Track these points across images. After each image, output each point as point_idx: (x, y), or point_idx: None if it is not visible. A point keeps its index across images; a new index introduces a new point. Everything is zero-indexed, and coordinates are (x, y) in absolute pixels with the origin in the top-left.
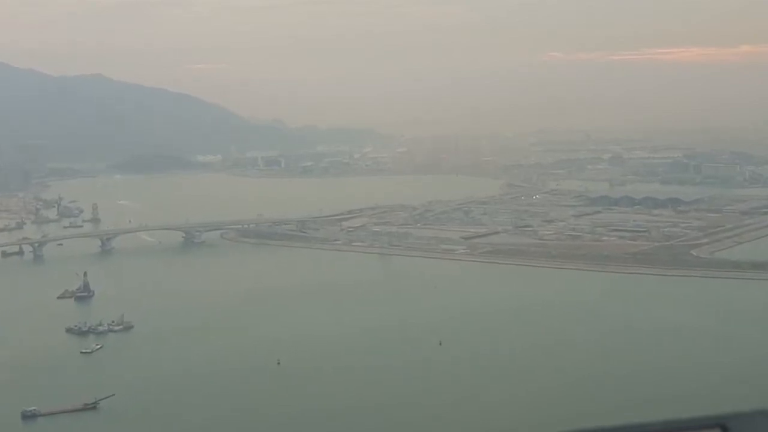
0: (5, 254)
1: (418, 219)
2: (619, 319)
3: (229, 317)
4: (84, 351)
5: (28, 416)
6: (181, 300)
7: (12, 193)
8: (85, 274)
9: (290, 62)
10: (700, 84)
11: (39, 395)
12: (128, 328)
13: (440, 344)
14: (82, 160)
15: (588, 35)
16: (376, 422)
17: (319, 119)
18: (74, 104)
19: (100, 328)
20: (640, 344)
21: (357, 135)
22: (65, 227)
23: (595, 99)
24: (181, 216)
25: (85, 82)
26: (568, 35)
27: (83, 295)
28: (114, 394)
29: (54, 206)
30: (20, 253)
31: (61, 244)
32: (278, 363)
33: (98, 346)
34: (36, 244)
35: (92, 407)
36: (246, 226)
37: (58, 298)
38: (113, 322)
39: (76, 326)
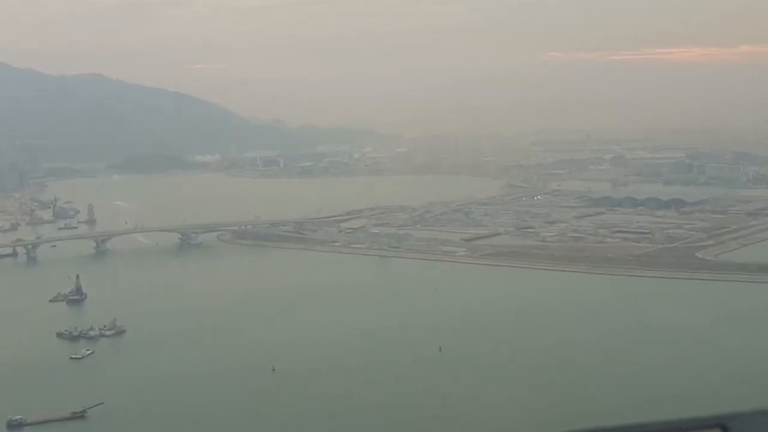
0: None
1: (418, 220)
2: (624, 324)
3: (224, 321)
4: (74, 357)
5: (14, 425)
6: (175, 303)
7: (8, 193)
8: (77, 277)
9: (290, 62)
10: (700, 84)
11: (26, 403)
12: (120, 332)
13: (440, 350)
14: (81, 160)
15: (588, 35)
16: (373, 423)
17: (319, 119)
18: (73, 104)
19: (91, 333)
20: (645, 348)
21: (357, 135)
22: (60, 228)
23: (595, 99)
24: (178, 217)
25: (84, 82)
26: (568, 35)
27: (76, 298)
28: (103, 403)
29: (50, 207)
30: (14, 254)
31: (54, 246)
32: (273, 369)
33: (89, 352)
34: (30, 246)
35: (80, 416)
36: (243, 227)
37: (50, 301)
38: (105, 326)
39: (66, 331)
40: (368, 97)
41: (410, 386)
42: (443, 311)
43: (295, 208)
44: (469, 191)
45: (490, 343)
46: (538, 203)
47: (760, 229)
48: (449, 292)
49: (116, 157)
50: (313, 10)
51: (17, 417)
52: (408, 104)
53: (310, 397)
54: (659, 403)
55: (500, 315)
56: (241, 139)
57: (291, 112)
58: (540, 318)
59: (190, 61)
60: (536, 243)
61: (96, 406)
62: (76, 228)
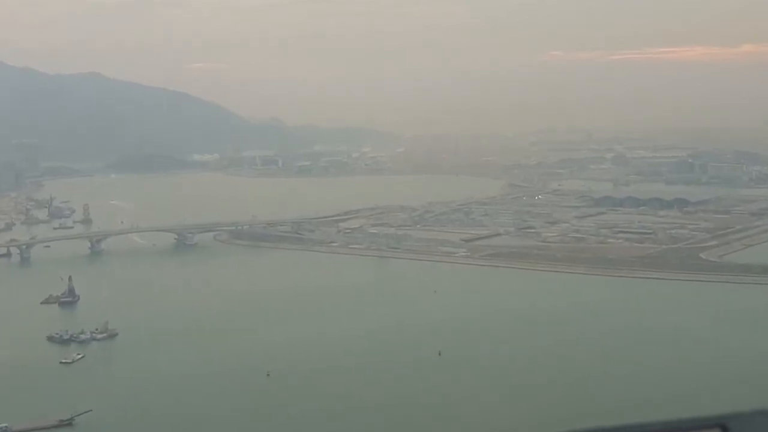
0: None
1: (418, 220)
2: (627, 327)
3: (218, 323)
4: (64, 361)
5: None
6: (169, 305)
7: (4, 192)
8: (69, 278)
9: (290, 61)
10: (701, 83)
11: (12, 410)
12: (112, 336)
13: (439, 354)
14: (79, 160)
15: (589, 34)
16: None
17: (318, 118)
18: (71, 103)
19: (83, 337)
20: (648, 352)
21: (356, 134)
22: (55, 228)
23: (595, 98)
24: (175, 217)
25: (82, 81)
26: (568, 34)
27: (68, 300)
28: (91, 410)
29: (45, 207)
30: (7, 255)
31: (48, 246)
32: (268, 375)
33: (79, 356)
34: (23, 246)
35: (68, 424)
36: (240, 227)
37: (41, 303)
38: (96, 329)
39: (57, 334)
40: (368, 97)
41: (408, 391)
42: (443, 314)
43: (293, 208)
44: (469, 191)
45: (491, 347)
46: (538, 203)
47: (765, 230)
48: (449, 294)
49: (114, 157)
50: (312, 10)
51: (2, 425)
52: (408, 104)
53: (304, 403)
54: (662, 405)
55: (501, 317)
56: (239, 139)
57: (290, 111)
58: (541, 321)
59: (189, 60)
60: (537, 243)
61: (84, 413)
62: (71, 228)
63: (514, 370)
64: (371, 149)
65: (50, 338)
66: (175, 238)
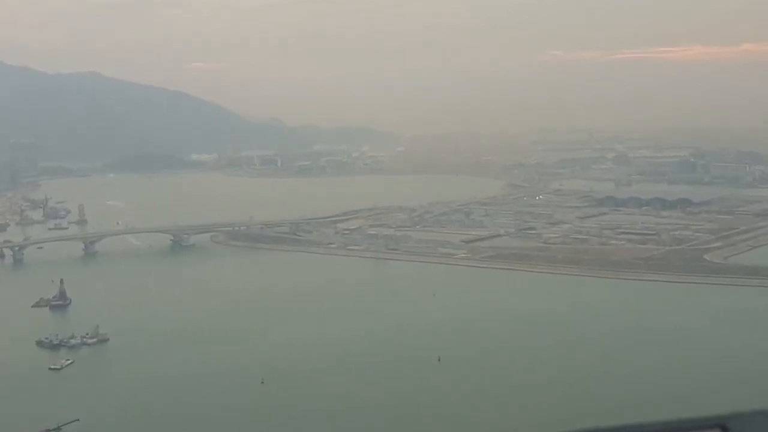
0: None
1: (417, 221)
2: (632, 332)
3: (212, 327)
4: (53, 367)
5: None
6: (162, 308)
7: (0, 193)
8: (61, 281)
9: (289, 61)
10: (702, 83)
11: None
12: (103, 340)
13: (439, 360)
14: (77, 159)
15: (588, 34)
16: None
17: (318, 118)
18: (70, 102)
19: (73, 341)
20: (653, 356)
21: (356, 134)
22: (50, 229)
23: (596, 98)
24: (171, 217)
25: (81, 80)
26: (568, 34)
27: (59, 303)
28: (78, 419)
29: (41, 207)
30: (0, 256)
31: (41, 248)
32: (262, 382)
33: (68, 362)
34: (16, 248)
35: None
36: (237, 228)
37: (32, 306)
38: (87, 334)
39: (46, 339)
40: (368, 97)
41: (405, 400)
42: (442, 317)
43: (291, 208)
44: (469, 191)
45: (491, 351)
46: (539, 203)
47: None
48: (448, 297)
49: (111, 156)
50: (312, 9)
51: None
52: (408, 103)
53: (298, 411)
54: (662, 405)
55: (501, 321)
56: (239, 138)
57: (290, 111)
58: (543, 324)
59: (188, 59)
60: (538, 245)
61: (71, 422)
62: (66, 229)
63: (514, 376)
64: (371, 149)
65: (39, 343)
66: (171, 239)
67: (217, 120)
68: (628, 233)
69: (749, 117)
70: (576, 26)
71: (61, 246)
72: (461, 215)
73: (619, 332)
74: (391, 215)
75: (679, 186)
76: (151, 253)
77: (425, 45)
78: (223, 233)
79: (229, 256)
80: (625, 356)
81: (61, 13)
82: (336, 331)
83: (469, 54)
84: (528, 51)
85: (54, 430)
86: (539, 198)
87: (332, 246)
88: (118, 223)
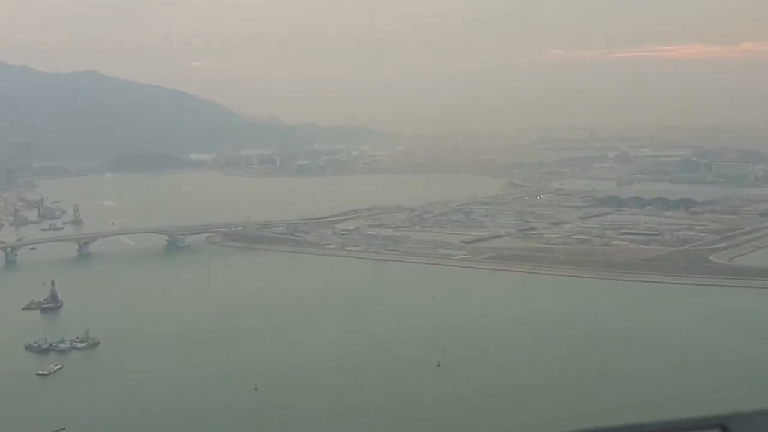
0: None
1: (417, 221)
2: (639, 336)
3: (206, 331)
4: (40, 372)
5: None
6: (155, 312)
7: None
8: (52, 283)
9: (289, 60)
10: (702, 81)
11: None
12: (93, 345)
13: (438, 365)
14: (74, 159)
15: (589, 33)
16: None
17: (318, 117)
18: (68, 102)
19: (62, 346)
20: (660, 362)
21: (355, 133)
22: (44, 229)
23: (596, 96)
24: (168, 217)
25: (79, 80)
26: (568, 33)
27: (50, 306)
28: (64, 429)
29: (36, 207)
30: None
31: (34, 248)
32: (255, 389)
33: (57, 367)
34: (9, 249)
35: None
36: (233, 228)
37: (23, 309)
38: (77, 338)
39: (35, 343)
40: (367, 95)
41: (404, 412)
42: (441, 320)
43: (289, 208)
44: (469, 190)
45: (491, 355)
46: (540, 203)
47: None
48: (448, 300)
49: (110, 156)
50: (311, 8)
51: None
52: (407, 102)
53: (293, 418)
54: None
55: (502, 324)
56: (238, 137)
57: (289, 110)
58: (547, 329)
59: (188, 59)
60: (540, 245)
61: None
62: (61, 229)
63: (515, 384)
64: (370, 148)
65: (28, 347)
66: (167, 240)
67: (216, 119)
68: (631, 233)
69: (750, 116)
70: (576, 25)
71: (54, 247)
72: (461, 215)
73: (624, 336)
74: (390, 215)
75: (681, 185)
76: (146, 254)
77: (425, 44)
78: (220, 234)
79: (225, 257)
80: (627, 359)
81: (60, 12)
82: (332, 335)
83: (469, 53)
84: (528, 50)
85: None
86: (540, 197)
87: (330, 247)
88: (113, 224)
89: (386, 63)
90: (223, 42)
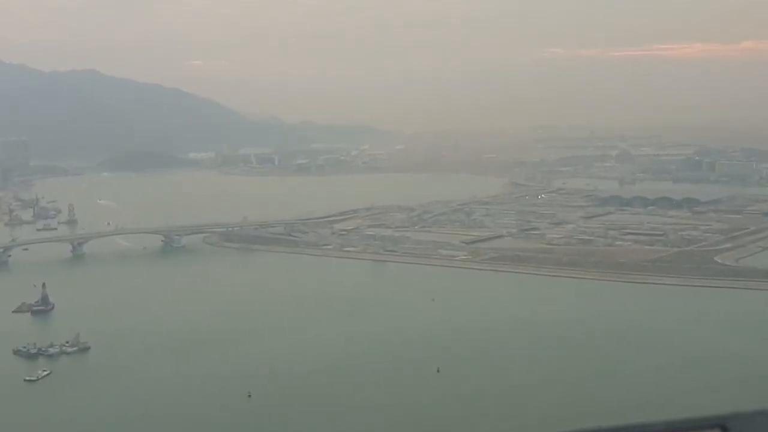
0: None
1: (416, 221)
2: (645, 341)
3: (200, 335)
4: (28, 378)
5: None
6: (148, 314)
7: None
8: (43, 285)
9: (288, 58)
10: (702, 80)
11: None
12: (84, 349)
13: (438, 371)
14: (72, 158)
15: (589, 32)
16: None
17: (317, 116)
18: (66, 101)
19: (51, 350)
20: (667, 367)
21: (355, 132)
22: (38, 230)
23: (596, 95)
24: (164, 217)
25: (77, 78)
26: (569, 32)
27: (41, 308)
28: None
29: (31, 207)
30: None
31: (26, 249)
32: (249, 395)
33: (45, 372)
34: (1, 249)
35: None
36: (230, 229)
37: (13, 312)
38: (67, 342)
39: (24, 347)
40: (367, 94)
41: (404, 407)
42: (441, 324)
43: (287, 208)
44: (469, 190)
45: (492, 359)
46: (542, 202)
47: None
48: (448, 302)
49: (107, 155)
50: (311, 7)
51: None
52: (407, 101)
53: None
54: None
55: (503, 326)
56: (237, 136)
57: (288, 108)
58: (550, 332)
59: (187, 57)
60: (542, 246)
61: None
62: (55, 229)
63: (514, 380)
64: (370, 147)
65: (16, 352)
66: (162, 241)
67: (215, 118)
68: (634, 234)
69: (750, 115)
70: (576, 24)
71: (48, 247)
72: (462, 215)
73: (627, 339)
74: (389, 215)
75: (684, 184)
76: (141, 254)
77: (425, 43)
78: (217, 234)
79: (221, 258)
80: (629, 360)
81: (58, 10)
82: (330, 336)
83: (469, 51)
84: (528, 49)
85: None
86: (541, 197)
87: (328, 247)
88: (108, 224)
89: (386, 62)
90: (223, 41)
